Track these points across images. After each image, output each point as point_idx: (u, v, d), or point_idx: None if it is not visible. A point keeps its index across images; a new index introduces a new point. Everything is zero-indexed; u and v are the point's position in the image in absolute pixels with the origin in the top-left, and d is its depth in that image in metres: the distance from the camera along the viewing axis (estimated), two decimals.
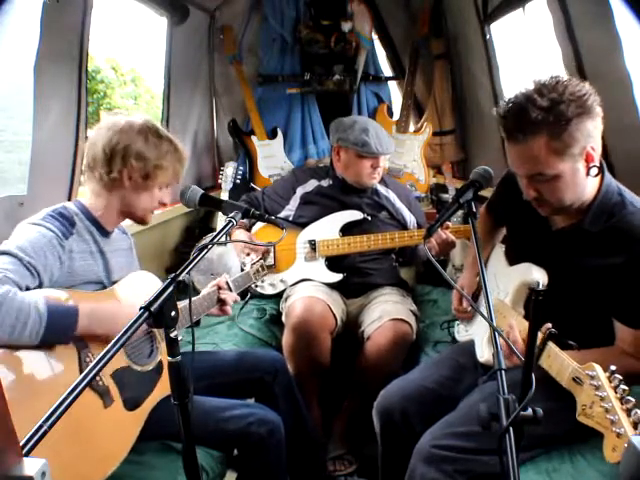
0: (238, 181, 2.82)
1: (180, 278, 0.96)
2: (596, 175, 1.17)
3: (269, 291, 2.30)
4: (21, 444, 0.66)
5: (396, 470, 1.48)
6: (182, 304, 1.11)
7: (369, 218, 2.27)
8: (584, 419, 0.98)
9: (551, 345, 1.12)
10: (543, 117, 1.09)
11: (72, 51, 1.89)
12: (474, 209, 1.15)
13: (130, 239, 1.60)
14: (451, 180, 3.02)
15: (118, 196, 1.39)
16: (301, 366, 2.01)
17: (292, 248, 2.30)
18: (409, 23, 3.18)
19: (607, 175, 1.23)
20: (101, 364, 0.80)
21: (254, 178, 3.02)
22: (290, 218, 2.35)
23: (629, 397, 0.89)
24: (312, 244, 2.27)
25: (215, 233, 1.14)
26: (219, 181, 2.84)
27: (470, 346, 1.54)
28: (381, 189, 2.36)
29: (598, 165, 1.16)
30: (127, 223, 1.53)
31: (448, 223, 1.86)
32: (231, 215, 1.18)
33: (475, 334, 1.56)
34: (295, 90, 3.16)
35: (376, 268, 2.27)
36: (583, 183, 1.18)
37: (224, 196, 2.74)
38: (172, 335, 0.98)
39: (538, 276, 1.27)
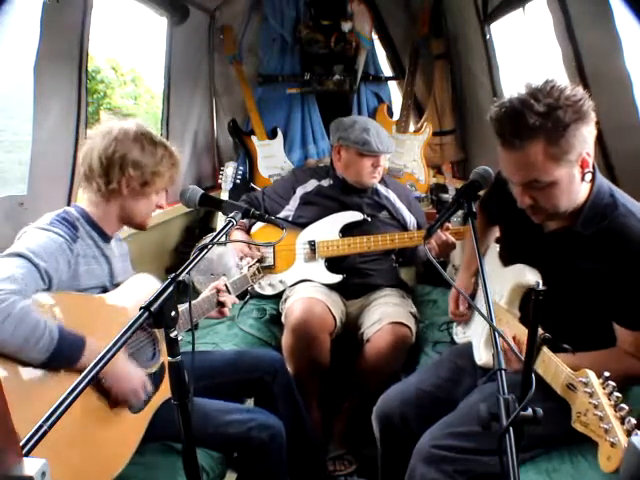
0: (238, 181, 2.81)
1: (180, 278, 0.96)
2: (590, 180, 1.17)
3: (269, 291, 2.30)
4: (21, 444, 0.66)
5: (396, 473, 1.48)
6: (181, 307, 1.11)
7: (369, 219, 2.27)
8: (579, 427, 0.98)
9: (545, 350, 1.11)
10: (541, 123, 1.07)
11: (72, 51, 1.89)
12: (474, 209, 1.14)
13: (125, 245, 1.60)
14: (451, 180, 3.02)
15: (116, 205, 1.40)
16: (301, 367, 2.01)
17: (292, 249, 2.30)
18: (409, 23, 3.18)
19: (598, 176, 1.22)
20: (101, 364, 0.80)
21: (254, 178, 3.01)
22: (290, 218, 2.35)
23: (623, 405, 0.89)
24: (312, 245, 2.27)
25: (215, 233, 1.14)
26: (219, 181, 2.84)
27: (468, 348, 1.54)
28: (381, 189, 2.36)
29: (592, 170, 1.16)
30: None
31: (448, 224, 1.86)
32: (231, 215, 1.18)
33: (473, 336, 1.56)
34: (295, 90, 3.15)
35: (376, 269, 2.27)
36: (578, 189, 1.17)
37: (224, 196, 2.74)
38: (172, 335, 0.98)
39: (532, 277, 1.27)
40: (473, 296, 1.64)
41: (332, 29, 3.03)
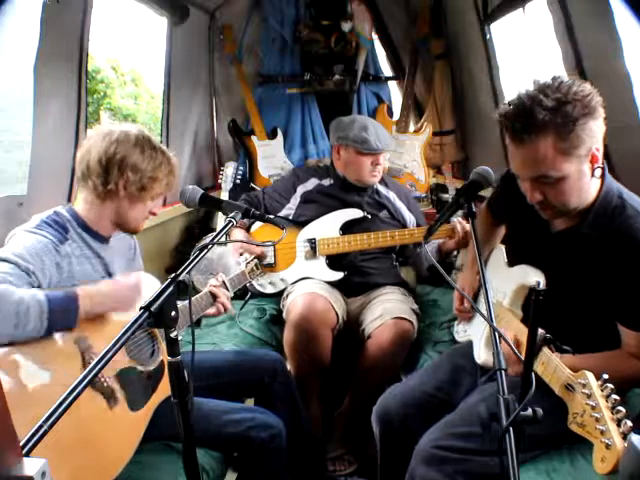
0: (238, 181, 2.81)
1: (180, 278, 0.96)
2: (600, 176, 1.16)
3: (269, 290, 2.30)
4: (21, 444, 0.66)
5: (395, 475, 1.48)
6: (180, 304, 1.11)
7: (369, 217, 2.27)
8: (576, 428, 0.97)
9: (545, 351, 1.11)
10: (550, 118, 1.07)
11: (72, 51, 1.89)
12: (474, 209, 1.14)
13: (132, 239, 1.59)
14: (451, 180, 3.02)
15: (111, 206, 1.39)
16: (302, 363, 2.01)
17: (292, 247, 2.30)
18: (409, 23, 3.18)
19: (608, 177, 1.22)
20: (101, 364, 0.80)
21: (254, 178, 3.02)
22: (291, 216, 2.35)
23: (620, 407, 0.89)
24: (312, 243, 2.27)
25: (215, 233, 1.14)
26: (219, 181, 2.84)
27: (468, 348, 1.54)
28: (382, 189, 2.36)
29: (602, 166, 1.16)
30: None
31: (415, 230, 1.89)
32: (231, 215, 1.18)
33: (473, 335, 1.56)
34: (295, 90, 3.16)
35: (377, 267, 2.27)
36: (587, 185, 1.17)
37: (224, 196, 2.74)
38: (172, 335, 0.98)
39: (536, 278, 1.27)
40: (477, 295, 1.64)
41: (332, 29, 3.03)
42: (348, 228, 2.27)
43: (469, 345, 1.54)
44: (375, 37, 3.23)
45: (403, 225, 2.34)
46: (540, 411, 0.84)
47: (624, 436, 0.85)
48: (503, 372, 0.90)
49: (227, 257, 2.44)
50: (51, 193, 1.91)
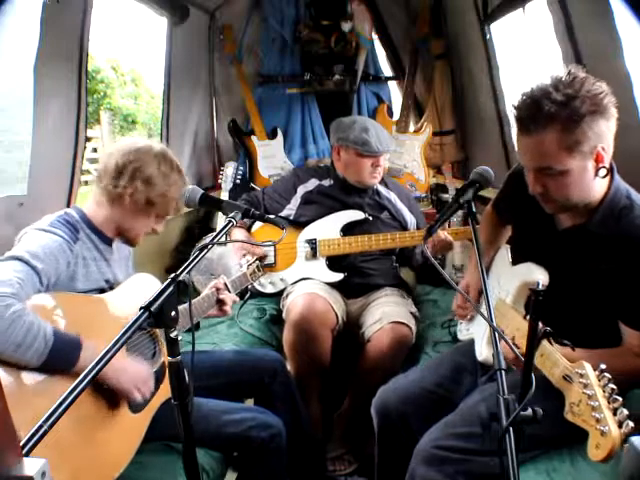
0: (238, 181, 2.81)
1: (180, 278, 0.96)
2: (604, 176, 1.16)
3: (269, 290, 2.30)
4: (21, 444, 0.66)
5: (392, 469, 1.48)
6: (181, 307, 1.11)
7: (370, 218, 2.27)
8: (571, 417, 0.98)
9: (545, 344, 1.11)
10: (556, 111, 1.09)
11: (72, 51, 1.89)
12: (474, 209, 1.14)
13: (127, 248, 1.59)
14: (451, 180, 3.01)
15: (117, 212, 1.40)
16: (301, 363, 2.01)
17: (293, 247, 2.30)
18: (409, 23, 3.18)
19: (617, 177, 1.22)
20: (101, 365, 0.80)
21: (254, 178, 3.02)
22: (291, 217, 2.35)
23: (616, 396, 0.89)
24: (313, 243, 2.27)
25: (215, 233, 1.14)
26: (219, 181, 2.84)
27: (470, 346, 1.54)
28: (382, 190, 2.36)
29: (607, 167, 1.16)
30: None
31: (445, 225, 1.88)
32: (231, 215, 1.18)
33: (475, 333, 1.56)
34: (295, 90, 3.16)
35: (377, 268, 2.27)
36: (590, 183, 1.17)
37: (224, 196, 2.74)
38: (172, 335, 0.98)
39: (539, 276, 1.27)
40: (481, 292, 1.64)
41: (332, 29, 3.03)
42: (349, 229, 2.27)
43: (470, 344, 1.54)
44: (375, 37, 3.23)
45: (404, 226, 2.34)
46: (540, 411, 0.84)
47: (620, 424, 0.86)
48: (503, 372, 0.90)
49: (227, 257, 2.44)
50: (51, 193, 1.91)
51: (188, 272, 0.98)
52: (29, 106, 1.70)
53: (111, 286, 1.42)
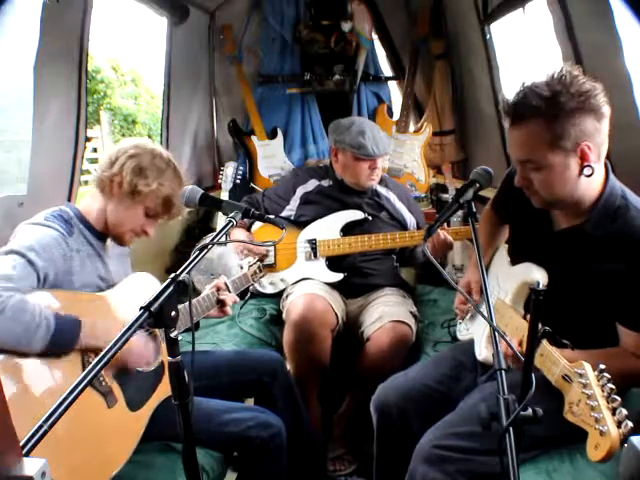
0: (238, 181, 2.81)
1: (180, 278, 0.96)
2: (589, 175, 1.16)
3: (269, 290, 2.30)
4: (21, 444, 0.66)
5: (391, 467, 1.49)
6: (181, 306, 1.11)
7: (370, 218, 2.27)
8: (570, 417, 0.98)
9: (544, 343, 1.12)
10: (541, 105, 1.11)
11: (72, 51, 1.89)
12: (474, 209, 1.14)
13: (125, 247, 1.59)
14: (451, 180, 3.01)
15: (106, 202, 1.40)
16: (301, 363, 2.01)
17: (293, 247, 2.30)
18: (409, 23, 3.18)
19: (612, 177, 1.22)
20: (101, 364, 0.80)
21: (254, 178, 3.02)
22: (291, 218, 2.35)
23: (615, 396, 0.89)
24: (313, 244, 2.27)
25: (215, 233, 1.14)
26: (219, 181, 2.84)
27: (470, 345, 1.54)
28: (382, 190, 2.36)
29: (593, 166, 1.15)
30: None
31: (444, 225, 1.88)
32: (231, 215, 1.18)
33: (475, 332, 1.56)
34: (295, 90, 3.16)
35: (377, 269, 2.27)
36: (575, 180, 1.17)
37: (224, 196, 2.74)
38: (172, 335, 0.98)
39: (538, 276, 1.27)
40: (482, 292, 1.64)
41: (332, 29, 3.03)
42: (349, 229, 2.27)
43: (470, 343, 1.55)
44: (375, 37, 3.22)
45: (403, 226, 2.34)
46: (540, 411, 0.84)
47: (619, 424, 0.86)
48: (503, 372, 0.90)
49: (227, 257, 2.44)
50: (51, 193, 1.91)
51: (188, 272, 0.98)
52: (29, 106, 1.70)
53: (106, 283, 1.42)
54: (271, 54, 3.16)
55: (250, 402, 1.81)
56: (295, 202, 2.37)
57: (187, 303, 1.02)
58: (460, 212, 1.22)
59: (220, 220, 2.75)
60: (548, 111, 1.11)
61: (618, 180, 1.25)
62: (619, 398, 0.88)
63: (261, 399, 1.70)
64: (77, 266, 1.32)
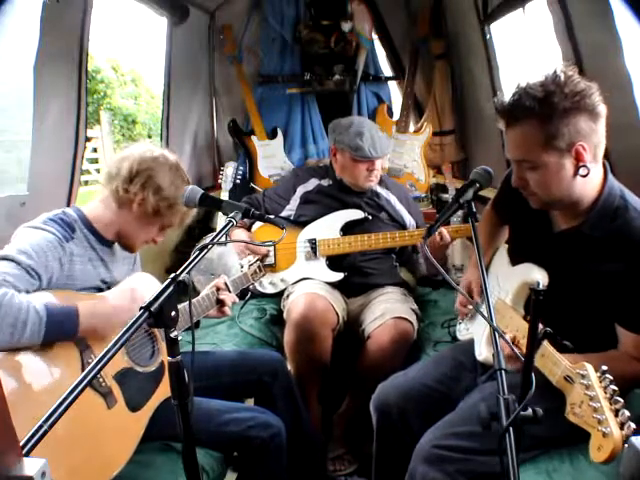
0: (238, 181, 2.81)
1: (180, 278, 0.96)
2: (584, 175, 1.16)
3: (270, 290, 2.30)
4: (21, 444, 0.66)
5: (391, 466, 1.48)
6: (181, 306, 1.11)
7: (370, 217, 2.27)
8: (573, 418, 0.98)
9: (545, 344, 1.11)
10: (534, 105, 1.12)
11: (72, 51, 1.89)
12: (474, 209, 1.14)
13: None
14: (451, 180, 3.01)
15: (123, 216, 1.40)
16: (302, 363, 2.01)
17: (293, 247, 2.30)
18: (409, 23, 3.18)
19: (610, 177, 1.22)
20: (101, 364, 0.80)
21: (254, 178, 3.02)
22: (291, 217, 2.36)
23: (618, 397, 0.89)
24: (313, 243, 2.27)
25: (215, 233, 1.13)
26: (219, 181, 2.84)
27: (470, 345, 1.54)
28: (381, 191, 2.36)
29: (587, 165, 1.15)
30: None
31: (442, 229, 1.92)
32: (231, 215, 1.18)
33: (475, 332, 1.56)
34: (295, 90, 3.16)
35: (377, 268, 2.27)
36: (570, 181, 1.17)
37: (224, 196, 2.74)
38: (172, 335, 0.98)
39: (538, 276, 1.27)
40: (482, 291, 1.64)
41: (332, 29, 3.03)
42: (349, 229, 2.27)
43: (470, 343, 1.55)
44: (375, 37, 3.22)
45: (403, 227, 2.34)
46: (540, 411, 0.84)
47: (622, 425, 0.86)
48: (503, 372, 0.90)
49: (227, 257, 2.44)
50: (51, 193, 1.91)
51: (188, 272, 0.98)
52: (29, 106, 1.70)
53: (109, 287, 1.42)
54: (271, 54, 3.15)
55: (250, 402, 1.81)
56: (295, 202, 2.37)
57: (187, 303, 1.02)
58: (460, 212, 1.22)
59: (220, 220, 2.75)
60: (541, 111, 1.11)
61: (618, 180, 1.25)
62: (622, 399, 0.88)
63: (261, 399, 1.70)
64: (77, 270, 1.31)
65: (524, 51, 2.38)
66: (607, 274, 1.17)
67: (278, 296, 2.32)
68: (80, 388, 0.76)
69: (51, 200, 1.89)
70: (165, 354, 1.01)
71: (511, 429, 0.83)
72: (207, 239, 2.39)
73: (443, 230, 1.99)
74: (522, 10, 2.17)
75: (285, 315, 2.12)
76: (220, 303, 1.62)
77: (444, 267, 2.61)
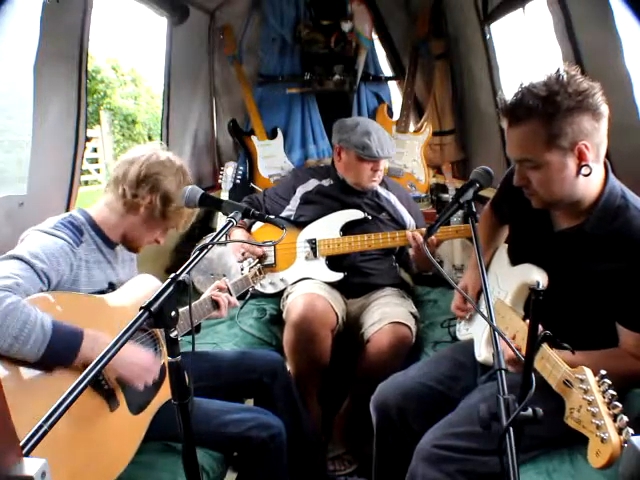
0: (238, 181, 2.82)
1: (180, 278, 0.96)
2: (587, 175, 1.16)
3: (269, 290, 2.30)
4: (21, 444, 0.66)
5: (391, 466, 1.48)
6: (182, 310, 1.11)
7: (370, 217, 2.27)
8: (571, 422, 0.98)
9: (545, 347, 1.11)
10: (536, 104, 1.12)
11: (72, 51, 1.89)
12: (474, 209, 1.14)
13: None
14: (451, 180, 3.01)
15: (129, 219, 1.41)
16: (301, 363, 2.01)
17: (292, 247, 2.30)
18: (409, 23, 3.18)
19: (611, 177, 1.22)
20: (101, 364, 0.80)
21: (254, 178, 3.02)
22: (291, 218, 2.36)
23: (616, 402, 0.89)
24: (312, 243, 2.27)
25: (215, 233, 1.14)
26: (219, 181, 2.84)
27: (470, 345, 1.54)
28: (382, 192, 2.36)
29: (590, 165, 1.15)
30: None
31: (433, 238, 1.96)
32: (231, 215, 1.18)
33: (475, 333, 1.56)
34: (295, 90, 3.15)
35: (377, 268, 2.27)
36: (572, 180, 1.17)
37: (224, 196, 2.74)
38: (172, 335, 0.98)
39: (538, 277, 1.27)
40: (480, 293, 1.64)
41: (332, 29, 3.03)
42: (348, 229, 2.27)
43: (470, 343, 1.55)
44: (375, 37, 3.22)
45: (402, 227, 2.34)
46: (540, 411, 0.84)
47: (620, 431, 0.86)
48: (503, 372, 0.90)
49: (227, 257, 2.44)
50: (51, 193, 1.91)
51: (188, 272, 0.98)
52: (29, 106, 1.70)
53: (113, 288, 1.42)
54: (271, 54, 3.15)
55: (250, 402, 1.81)
56: (295, 202, 2.37)
57: (187, 307, 1.02)
58: (460, 212, 1.21)
59: (220, 220, 2.75)
60: (545, 110, 1.11)
61: (618, 180, 1.25)
62: (620, 405, 0.88)
63: (261, 399, 1.70)
64: (84, 275, 1.31)
65: (524, 51, 2.38)
66: (608, 273, 1.18)
67: (278, 296, 2.32)
68: (80, 388, 0.76)
69: (51, 200, 1.89)
70: (165, 354, 1.01)
71: (511, 429, 0.83)
72: (207, 239, 2.40)
73: (416, 233, 2.07)
74: (522, 10, 2.17)
75: (284, 315, 2.12)
76: (216, 304, 1.62)
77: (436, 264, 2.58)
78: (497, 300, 1.42)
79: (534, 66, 2.28)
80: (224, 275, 2.40)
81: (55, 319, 1.13)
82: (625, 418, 0.86)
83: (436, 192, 3.18)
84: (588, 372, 0.97)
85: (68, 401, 0.74)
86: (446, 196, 3.06)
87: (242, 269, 1.86)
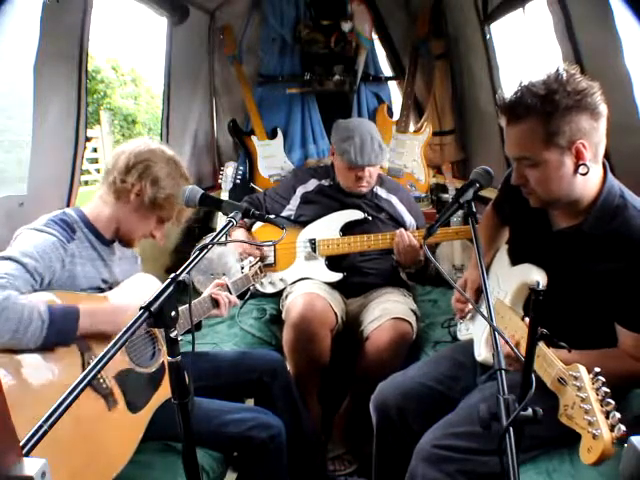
0: (238, 181, 2.82)
1: (180, 278, 0.96)
2: (584, 174, 1.16)
3: (269, 290, 2.30)
4: (21, 444, 0.66)
5: (390, 466, 1.48)
6: (182, 308, 1.11)
7: (369, 218, 2.27)
8: (565, 420, 0.98)
9: (541, 345, 1.11)
10: (535, 103, 1.12)
11: (72, 51, 1.89)
12: (474, 209, 1.14)
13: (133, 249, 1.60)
14: (451, 180, 3.01)
15: (121, 209, 1.40)
16: (301, 363, 2.01)
17: (292, 247, 2.30)
18: (409, 23, 3.18)
19: (609, 176, 1.22)
20: (101, 364, 0.80)
21: (254, 178, 3.02)
22: (292, 217, 2.36)
23: (609, 400, 0.89)
24: (312, 243, 2.27)
25: (215, 233, 1.14)
26: (219, 181, 2.84)
27: (470, 345, 1.54)
28: (382, 193, 2.36)
29: (587, 164, 1.15)
30: None
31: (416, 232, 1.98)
32: (231, 215, 1.18)
33: (475, 333, 1.56)
34: (295, 90, 3.16)
35: (376, 268, 2.27)
36: (570, 179, 1.17)
37: (224, 196, 2.74)
38: (172, 335, 0.98)
39: (538, 277, 1.27)
40: (480, 290, 1.64)
41: (332, 29, 3.03)
42: (348, 229, 2.27)
43: (470, 343, 1.55)
44: (375, 37, 3.22)
45: (402, 227, 2.33)
46: (540, 411, 0.84)
47: (612, 427, 0.86)
48: (503, 372, 0.90)
49: (227, 257, 2.44)
50: (51, 193, 1.91)
51: (188, 272, 0.98)
52: (29, 106, 1.70)
53: (110, 286, 1.42)
54: (271, 54, 3.15)
55: (250, 402, 1.81)
56: (295, 202, 2.38)
57: (187, 305, 1.02)
58: (460, 212, 1.21)
59: (220, 220, 2.75)
60: (543, 109, 1.12)
61: (618, 180, 1.25)
62: (613, 402, 0.88)
63: (261, 399, 1.70)
64: (78, 271, 1.32)
65: (524, 51, 2.38)
66: (606, 273, 1.18)
67: (278, 296, 2.32)
68: (80, 388, 0.76)
69: (51, 200, 1.89)
70: (166, 355, 1.01)
71: (511, 429, 0.83)
72: (207, 239, 2.40)
73: (410, 236, 2.08)
74: (522, 10, 2.17)
75: (284, 315, 2.12)
76: (215, 302, 1.62)
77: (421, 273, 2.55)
78: (497, 300, 1.42)
79: (534, 66, 2.27)
80: (224, 275, 2.39)
81: (50, 305, 1.15)
82: (617, 415, 0.86)
83: (436, 192, 3.18)
84: (582, 369, 0.97)
85: (68, 401, 0.74)
86: (446, 196, 3.06)
87: (242, 268, 1.86)
